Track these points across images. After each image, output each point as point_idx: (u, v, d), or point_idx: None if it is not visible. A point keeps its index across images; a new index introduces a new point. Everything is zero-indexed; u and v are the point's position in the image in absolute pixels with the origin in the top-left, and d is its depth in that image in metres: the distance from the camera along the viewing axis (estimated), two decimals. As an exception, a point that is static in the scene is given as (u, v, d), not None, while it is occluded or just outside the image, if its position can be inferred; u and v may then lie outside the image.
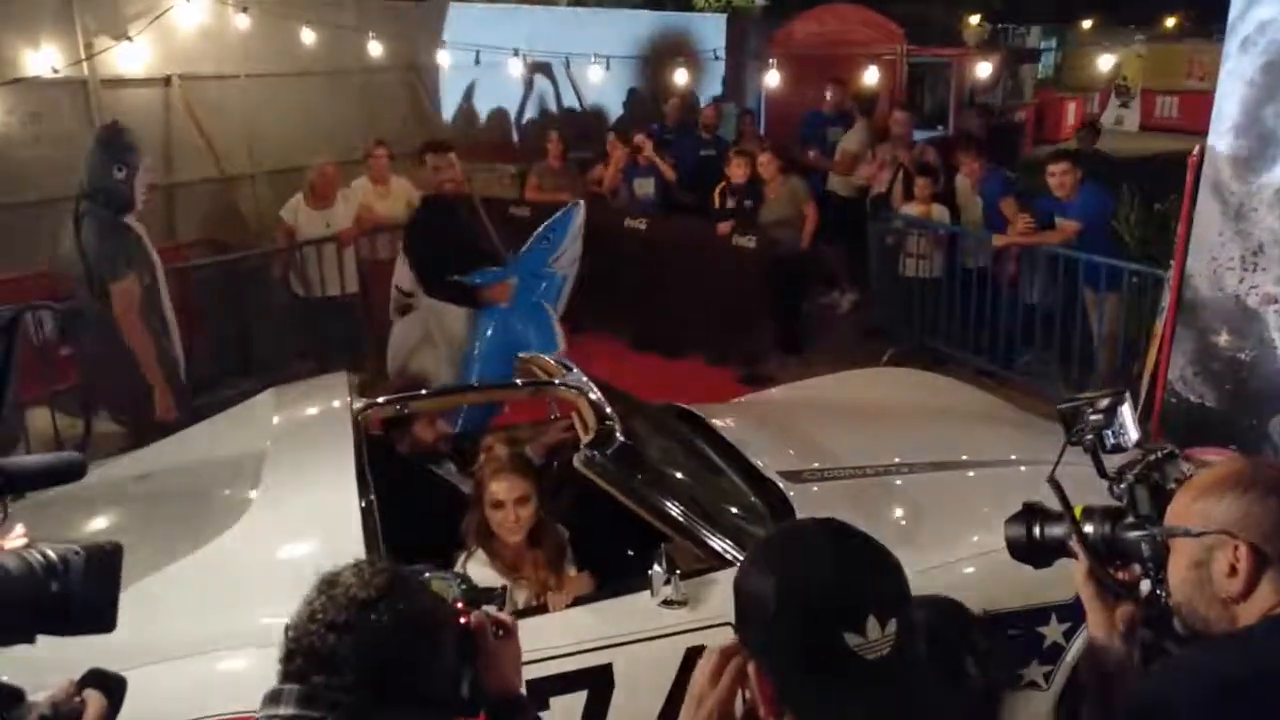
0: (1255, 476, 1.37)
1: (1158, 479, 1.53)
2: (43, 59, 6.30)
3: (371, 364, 6.41)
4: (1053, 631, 2.72)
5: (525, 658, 2.47)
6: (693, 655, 2.56)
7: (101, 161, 4.12)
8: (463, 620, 1.49)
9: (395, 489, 2.92)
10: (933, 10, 14.00)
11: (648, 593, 2.59)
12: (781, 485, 3.15)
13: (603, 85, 9.85)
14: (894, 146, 7.83)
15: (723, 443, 3.50)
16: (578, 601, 2.67)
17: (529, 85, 9.87)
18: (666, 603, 2.58)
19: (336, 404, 3.34)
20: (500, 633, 1.53)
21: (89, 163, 4.18)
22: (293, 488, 2.87)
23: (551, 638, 2.56)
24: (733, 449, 3.44)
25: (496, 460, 2.82)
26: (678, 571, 2.60)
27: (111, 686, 1.40)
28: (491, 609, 1.56)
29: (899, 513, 3.17)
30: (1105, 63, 18.14)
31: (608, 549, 3.07)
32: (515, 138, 9.86)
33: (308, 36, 7.45)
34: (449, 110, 9.25)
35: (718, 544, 2.76)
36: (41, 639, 1.33)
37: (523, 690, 1.62)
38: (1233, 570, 1.34)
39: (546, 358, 3.82)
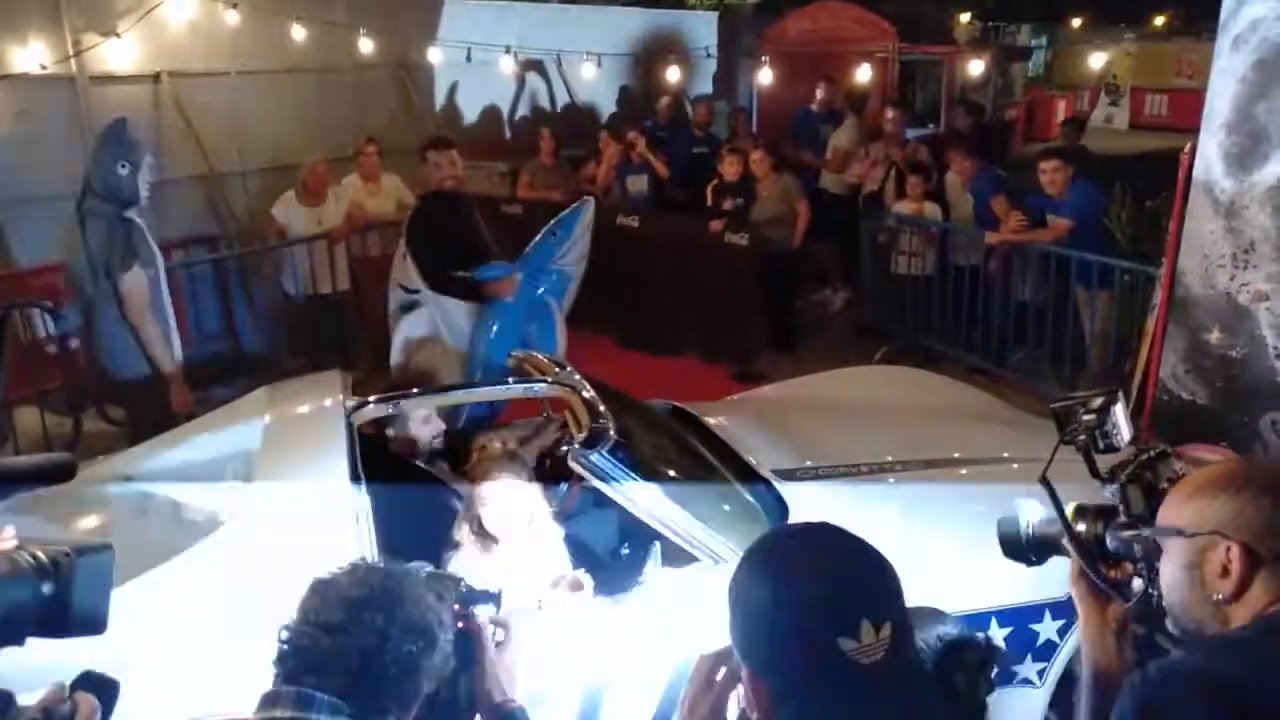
0: (1247, 477, 1.38)
1: (1150, 478, 1.54)
2: (30, 56, 6.26)
3: (364, 362, 6.39)
4: (1047, 629, 2.72)
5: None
6: (687, 655, 2.55)
7: (106, 158, 4.16)
8: (460, 625, 1.48)
9: (388, 488, 2.91)
10: (924, 8, 14.01)
11: (642, 591, 2.59)
12: (775, 483, 3.14)
13: (594, 83, 9.84)
14: (886, 144, 7.84)
15: (716, 441, 3.50)
16: (571, 601, 2.65)
17: (520, 83, 9.85)
18: (661, 601, 2.58)
19: (328, 402, 3.32)
20: (499, 636, 1.52)
21: (93, 159, 4.22)
22: (285, 487, 2.85)
23: (544, 637, 2.54)
24: (726, 447, 3.44)
25: (490, 459, 2.81)
26: (672, 570, 2.59)
27: (103, 689, 1.40)
28: (490, 613, 1.55)
29: (892, 511, 3.17)
30: (1095, 61, 18.20)
31: (601, 548, 3.06)
32: (507, 135, 9.84)
33: (298, 33, 7.42)
34: (440, 108, 9.22)
35: (712, 543, 2.75)
36: (32, 641, 1.32)
37: (518, 698, 1.60)
38: (1225, 571, 1.34)
39: (540, 355, 3.81)
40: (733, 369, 6.58)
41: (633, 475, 2.85)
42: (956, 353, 6.55)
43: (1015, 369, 6.19)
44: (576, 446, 2.87)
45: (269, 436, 3.14)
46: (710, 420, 3.68)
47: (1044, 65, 21.20)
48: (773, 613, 1.15)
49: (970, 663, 2.20)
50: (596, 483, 2.79)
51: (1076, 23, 20.45)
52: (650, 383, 5.38)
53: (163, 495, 3.13)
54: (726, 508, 3.04)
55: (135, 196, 4.18)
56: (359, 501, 2.70)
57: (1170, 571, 1.41)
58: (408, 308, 4.86)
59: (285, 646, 1.37)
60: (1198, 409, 4.24)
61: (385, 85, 8.63)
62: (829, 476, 3.25)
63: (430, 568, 1.55)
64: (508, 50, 8.68)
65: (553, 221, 4.97)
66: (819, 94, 9.10)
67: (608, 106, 10.61)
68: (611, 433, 2.93)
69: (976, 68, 10.95)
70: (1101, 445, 1.64)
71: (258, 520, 2.69)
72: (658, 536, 2.76)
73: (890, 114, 8.19)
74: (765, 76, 9.58)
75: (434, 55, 8.50)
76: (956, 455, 3.48)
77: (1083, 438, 1.64)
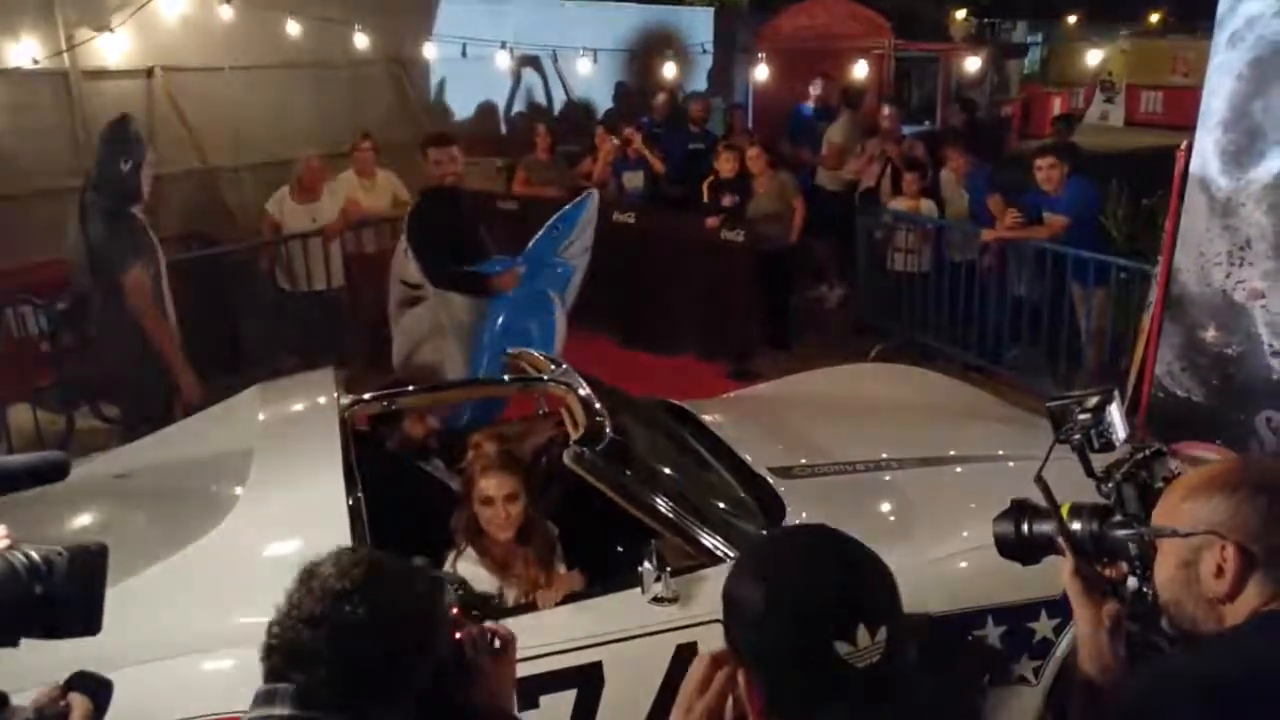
0: (1243, 476, 1.37)
1: (1145, 477, 1.54)
2: (23, 50, 6.23)
3: (359, 359, 6.37)
4: (1043, 627, 2.72)
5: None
6: (683, 652, 2.55)
7: (108, 154, 4.19)
8: (457, 634, 1.46)
9: (383, 486, 2.90)
10: (920, 5, 14.01)
11: (638, 590, 2.58)
12: (771, 481, 3.14)
13: (590, 79, 9.82)
14: (882, 141, 7.84)
15: (712, 438, 3.50)
16: (567, 599, 2.65)
17: (516, 78, 9.83)
18: (656, 600, 2.57)
19: (323, 400, 3.31)
20: (496, 644, 1.50)
21: (96, 155, 4.26)
22: (279, 485, 2.84)
23: (541, 635, 2.53)
24: (722, 445, 3.43)
25: (486, 457, 2.79)
26: (668, 568, 2.59)
27: (97, 690, 1.39)
28: (489, 621, 1.53)
29: (888, 508, 3.17)
30: (1091, 58, 18.21)
31: (597, 546, 3.05)
32: (503, 131, 9.82)
33: (293, 28, 7.39)
34: (435, 103, 9.20)
35: (708, 540, 2.75)
36: (26, 641, 1.31)
37: (515, 710, 1.59)
38: (1220, 571, 1.34)
39: (535, 353, 3.80)
40: (729, 366, 6.57)
41: (628, 473, 2.85)
42: (952, 350, 6.55)
43: (1011, 366, 6.19)
44: (573, 444, 2.86)
45: (263, 435, 3.12)
46: (706, 418, 3.67)
47: (1040, 62, 21.22)
48: (767, 617, 1.14)
49: (966, 664, 2.22)
50: (593, 481, 2.78)
51: (1072, 20, 20.48)
52: (646, 380, 5.37)
53: (156, 494, 3.12)
54: (722, 505, 3.03)
55: (137, 192, 4.21)
56: (353, 499, 2.69)
57: (1165, 571, 1.41)
58: (409, 303, 4.86)
59: (272, 641, 1.35)
60: (1193, 406, 4.25)
61: (381, 81, 8.60)
62: (825, 474, 3.25)
63: (424, 562, 1.54)
64: (504, 46, 8.65)
65: (555, 215, 4.97)
66: (813, 90, 9.10)
67: (603, 102, 10.59)
68: (608, 430, 2.93)
69: (973, 64, 10.95)
70: (1097, 444, 1.64)
71: (252, 519, 2.67)
72: (654, 534, 2.76)
73: (886, 111, 8.18)
74: (761, 73, 9.57)
75: (430, 50, 8.47)
76: (952, 453, 3.47)
77: (1078, 437, 1.64)
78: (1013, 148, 11.95)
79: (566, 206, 5.04)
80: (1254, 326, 4.04)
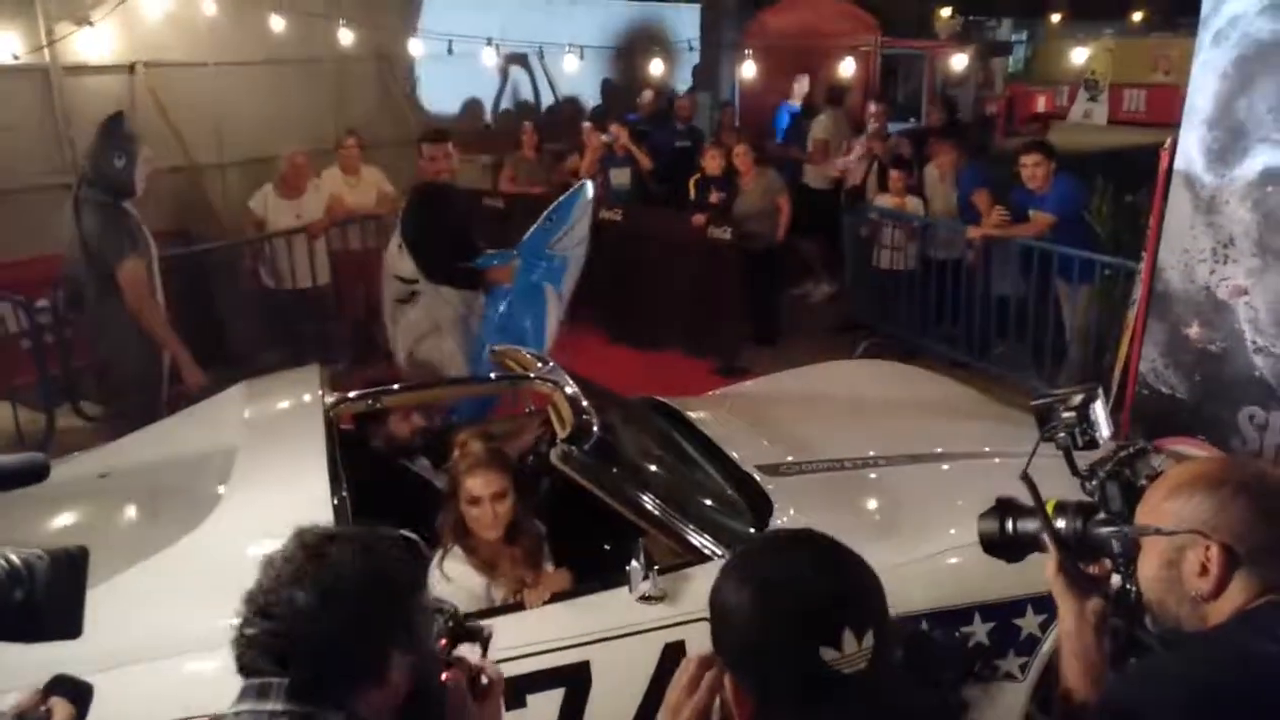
0: (1226, 475, 1.38)
1: (1129, 475, 1.55)
2: (3, 45, 6.15)
3: (344, 356, 6.34)
4: (1029, 623, 2.73)
5: (501, 655, 2.48)
6: (671, 651, 2.55)
7: (102, 149, 4.23)
8: (444, 677, 1.44)
9: (368, 484, 2.88)
10: (906, 3, 14.03)
11: (625, 588, 2.58)
12: (759, 479, 3.13)
13: (577, 75, 9.79)
14: (869, 139, 7.85)
15: (700, 436, 3.49)
16: (555, 598, 2.64)
17: (503, 75, 9.79)
18: (644, 598, 2.57)
19: (308, 398, 3.29)
20: (484, 682, 1.48)
21: (90, 151, 4.30)
22: (263, 484, 2.81)
23: (528, 635, 2.53)
24: (710, 442, 3.43)
25: (472, 456, 2.78)
26: (655, 567, 2.58)
27: (78, 694, 1.37)
28: (476, 656, 1.51)
29: (875, 505, 3.18)
30: (1075, 56, 18.29)
31: (585, 545, 3.04)
32: (489, 128, 9.78)
33: (277, 24, 7.33)
34: (421, 100, 9.15)
35: (695, 539, 2.75)
36: (5, 645, 1.29)
37: None
38: (1204, 570, 1.34)
39: (522, 351, 3.79)
40: (716, 363, 6.57)
41: (616, 471, 2.84)
42: (938, 347, 6.57)
43: (996, 363, 6.22)
44: (560, 443, 2.85)
45: (247, 433, 3.10)
46: (693, 415, 3.67)
47: (1024, 60, 21.30)
48: (755, 622, 1.15)
49: (951, 665, 2.22)
50: (580, 479, 2.77)
51: (1056, 18, 20.56)
52: (633, 377, 5.37)
53: (139, 493, 3.09)
54: (710, 503, 3.03)
55: (131, 187, 4.26)
56: (338, 498, 2.67)
57: (1149, 569, 1.42)
58: (405, 299, 4.86)
59: (236, 634, 1.34)
60: (1177, 403, 4.27)
61: (366, 77, 8.55)
62: (813, 472, 3.25)
63: (395, 531, 1.48)
64: (489, 42, 8.61)
65: (550, 207, 4.96)
66: (798, 88, 9.11)
67: (590, 99, 10.57)
68: (595, 429, 2.92)
69: (958, 62, 10.98)
70: (1081, 442, 1.66)
71: (235, 518, 2.65)
72: (641, 533, 2.75)
73: (873, 108, 8.20)
74: (748, 70, 9.58)
75: (415, 47, 8.43)
76: (939, 450, 3.48)
77: (1063, 435, 1.66)
78: (997, 145, 12.02)
79: (561, 197, 5.03)
80: (1237, 323, 4.06)
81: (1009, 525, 1.62)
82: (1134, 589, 1.45)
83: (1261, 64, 3.92)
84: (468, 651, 1.50)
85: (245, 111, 7.46)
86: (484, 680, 1.48)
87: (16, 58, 6.12)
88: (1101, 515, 1.54)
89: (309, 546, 1.37)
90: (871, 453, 3.41)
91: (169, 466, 3.18)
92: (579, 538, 3.03)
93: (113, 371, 4.44)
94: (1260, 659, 1.29)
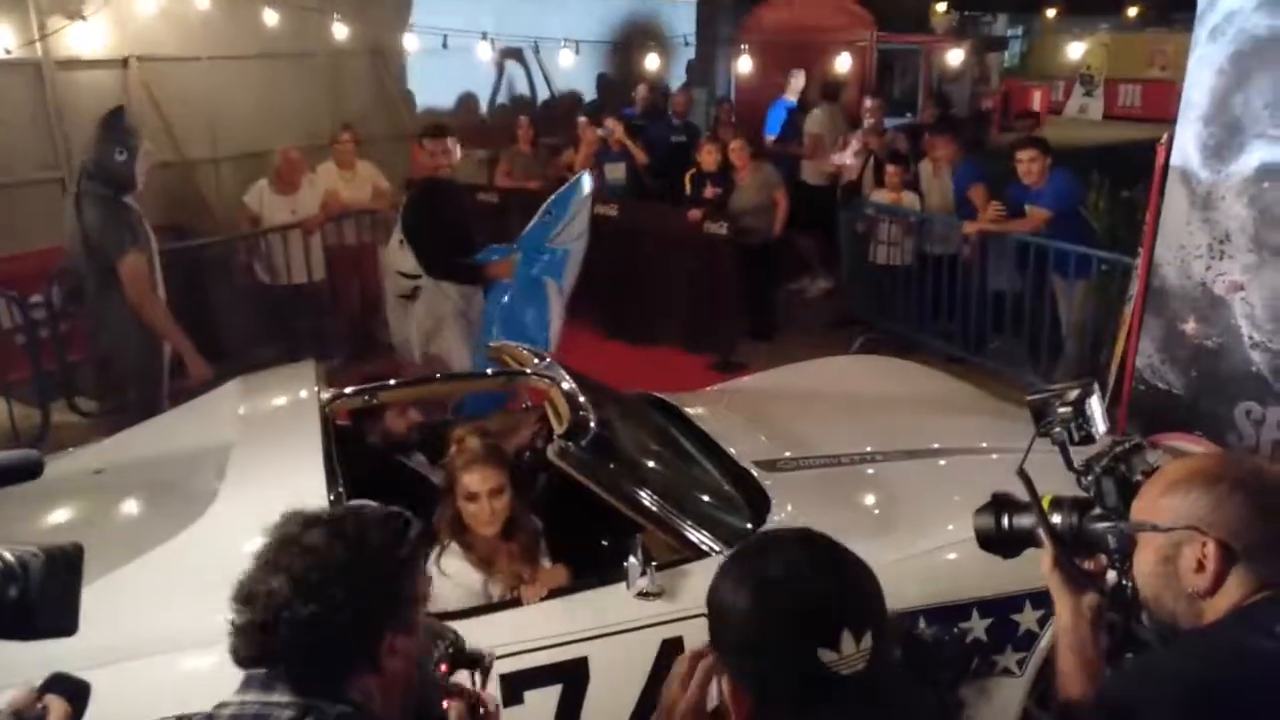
0: (1223, 471, 1.38)
1: (1124, 470, 1.55)
2: (-6, 39, 6.12)
3: (339, 352, 6.33)
4: (1027, 619, 2.73)
5: (499, 652, 2.47)
6: (668, 647, 2.55)
7: (103, 144, 4.25)
8: (444, 705, 1.43)
9: (364, 480, 2.87)
10: (902, -3, 14.01)
11: (623, 584, 2.57)
12: (756, 474, 3.13)
13: (572, 70, 9.77)
14: (865, 134, 7.84)
15: (697, 432, 3.48)
16: (552, 594, 2.63)
17: (498, 69, 9.77)
18: (642, 594, 2.56)
19: (303, 394, 3.28)
20: (481, 713, 1.47)
21: (91, 145, 4.32)
22: (259, 480, 2.80)
23: (525, 631, 2.52)
24: (707, 438, 3.42)
25: (469, 451, 2.77)
26: (653, 563, 2.58)
27: (75, 692, 1.36)
28: (477, 683, 1.49)
29: (872, 501, 3.17)
30: (1070, 51, 18.30)
31: (582, 541, 3.04)
32: (485, 122, 9.76)
33: (270, 18, 7.30)
34: (416, 94, 9.12)
35: (693, 535, 2.74)
36: (1, 643, 1.28)
37: None
38: (1200, 566, 1.34)
39: (518, 346, 3.78)
40: (713, 359, 6.57)
41: (613, 467, 2.83)
42: (934, 342, 6.58)
43: (993, 358, 6.22)
44: (557, 438, 2.84)
45: (242, 429, 3.09)
46: (690, 411, 3.66)
47: (1020, 55, 21.30)
48: (752, 623, 1.15)
49: (948, 665, 2.22)
50: (577, 475, 2.76)
51: (1052, 13, 20.54)
52: (630, 372, 5.36)
53: (134, 489, 3.08)
54: (707, 499, 3.03)
55: (132, 181, 4.28)
56: (335, 494, 2.66)
57: (1145, 565, 1.41)
58: (407, 295, 4.86)
59: (229, 624, 1.33)
60: (1174, 399, 4.27)
61: (360, 71, 8.52)
62: (810, 467, 3.24)
63: (385, 509, 1.45)
64: (484, 36, 8.59)
65: (549, 200, 4.95)
66: (794, 83, 9.09)
67: (586, 94, 10.55)
68: (592, 425, 2.91)
69: (955, 57, 10.97)
70: (1077, 437, 1.66)
71: (231, 515, 2.64)
72: (639, 529, 2.74)
73: (869, 103, 8.19)
74: (744, 65, 9.56)
75: (409, 41, 8.40)
76: (936, 445, 3.48)
77: (1059, 430, 1.66)
78: (993, 141, 12.02)
79: (559, 190, 5.03)
80: (1233, 319, 4.06)
81: (1005, 521, 1.62)
82: (1130, 585, 1.45)
83: (1258, 59, 3.91)
84: (467, 679, 1.49)
85: (239, 106, 7.43)
86: (482, 711, 1.47)
87: (8, 52, 6.08)
88: (1097, 510, 1.54)
89: (288, 532, 1.36)
90: (869, 448, 3.41)
91: (164, 462, 3.17)
92: (576, 534, 3.02)
93: (114, 366, 4.45)
94: (1257, 655, 1.29)
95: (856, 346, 6.67)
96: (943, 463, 3.40)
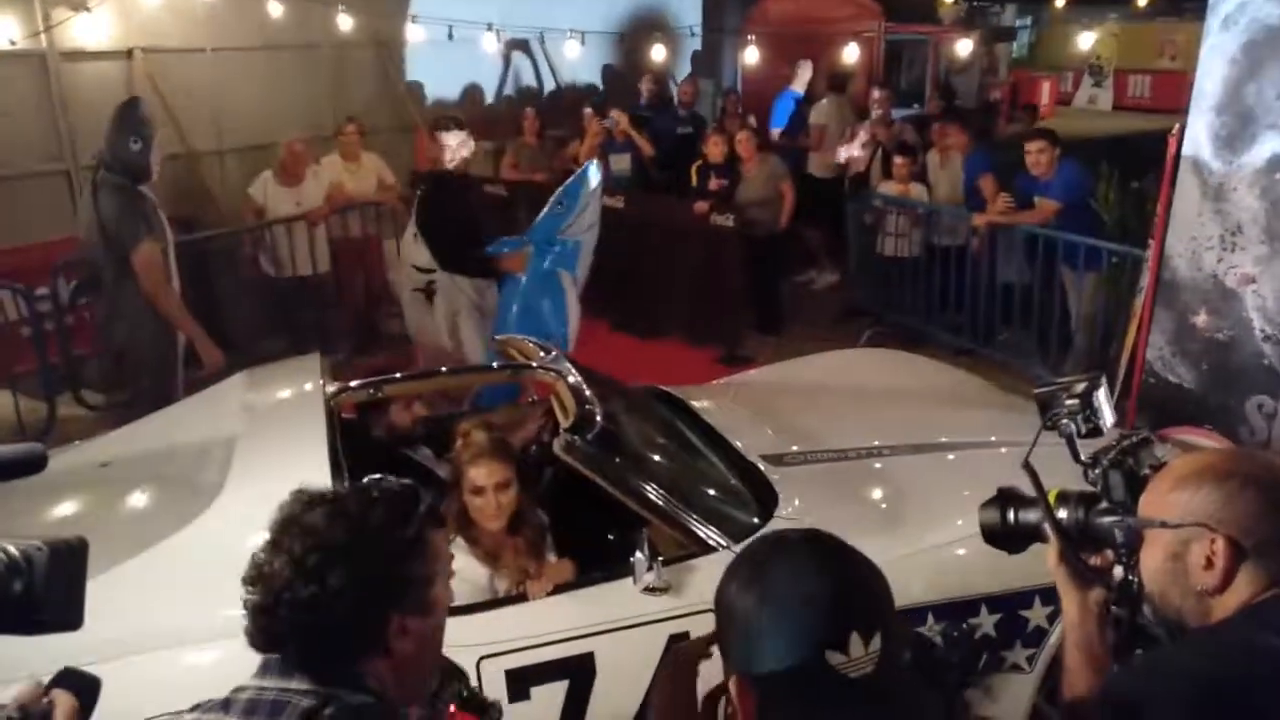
0: (1233, 467, 1.36)
1: (1132, 464, 1.53)
2: (-1, 31, 6.11)
3: (344, 344, 6.32)
4: (1036, 614, 2.71)
5: (505, 647, 2.47)
6: (675, 642, 2.53)
7: (118, 134, 4.29)
8: None
9: (369, 474, 2.85)
10: (909, -13, 13.90)
11: (629, 580, 2.55)
12: (763, 469, 3.11)
13: (578, 61, 9.73)
14: (873, 125, 7.79)
15: (704, 426, 3.47)
16: (558, 589, 2.62)
17: (504, 61, 9.73)
18: (649, 589, 2.54)
19: (309, 387, 3.27)
20: None
21: (106, 135, 4.34)
22: (264, 473, 2.78)
23: (532, 626, 2.51)
24: (714, 432, 3.40)
25: (476, 445, 2.76)
26: (660, 558, 2.56)
27: (84, 687, 1.35)
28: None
29: (880, 495, 3.16)
30: (1079, 42, 18.17)
31: (588, 535, 3.03)
32: (491, 114, 9.73)
33: (275, 9, 7.27)
34: (421, 86, 9.10)
35: (700, 530, 2.72)
36: (5, 638, 1.27)
37: None
38: (1209, 563, 1.33)
39: (525, 339, 3.76)
40: (719, 352, 6.55)
41: (619, 461, 2.82)
42: (943, 334, 6.54)
43: (1001, 350, 6.19)
44: (563, 432, 2.83)
45: (248, 422, 3.08)
46: (697, 405, 3.64)
47: (1029, 46, 21.16)
48: (759, 625, 1.14)
49: (958, 667, 2.21)
50: (583, 469, 2.75)
51: (1061, 3, 20.40)
52: (636, 365, 5.35)
53: (139, 483, 3.07)
54: (714, 494, 3.01)
55: (147, 170, 4.32)
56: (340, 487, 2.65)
57: (1152, 562, 1.40)
58: (422, 289, 4.88)
59: (244, 619, 1.32)
60: (1184, 392, 4.25)
61: (365, 63, 8.49)
62: (818, 461, 3.22)
63: (397, 484, 1.43)
64: (490, 28, 8.55)
65: (558, 191, 4.94)
66: (802, 74, 9.03)
67: (592, 85, 10.50)
68: (598, 419, 2.89)
69: (963, 48, 10.89)
70: (1084, 430, 1.64)
71: (235, 508, 2.63)
72: (645, 524, 2.73)
73: (877, 94, 8.14)
74: (750, 56, 9.50)
75: (414, 32, 8.37)
76: (944, 439, 3.45)
77: (1066, 423, 1.64)
78: (1001, 132, 11.95)
79: (567, 181, 5.01)
80: (1245, 312, 4.03)
81: (1010, 515, 1.61)
82: (1136, 580, 1.44)
83: (1271, 49, 3.87)
84: None
85: (243, 98, 7.42)
86: None
87: (13, 43, 6.07)
88: (1104, 505, 1.52)
89: (291, 512, 1.34)
90: (876, 442, 3.38)
91: (170, 456, 3.16)
92: (582, 528, 3.01)
93: (129, 356, 4.46)
94: (1266, 653, 1.28)
95: (864, 339, 6.64)
96: (951, 457, 3.38)
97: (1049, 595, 2.66)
